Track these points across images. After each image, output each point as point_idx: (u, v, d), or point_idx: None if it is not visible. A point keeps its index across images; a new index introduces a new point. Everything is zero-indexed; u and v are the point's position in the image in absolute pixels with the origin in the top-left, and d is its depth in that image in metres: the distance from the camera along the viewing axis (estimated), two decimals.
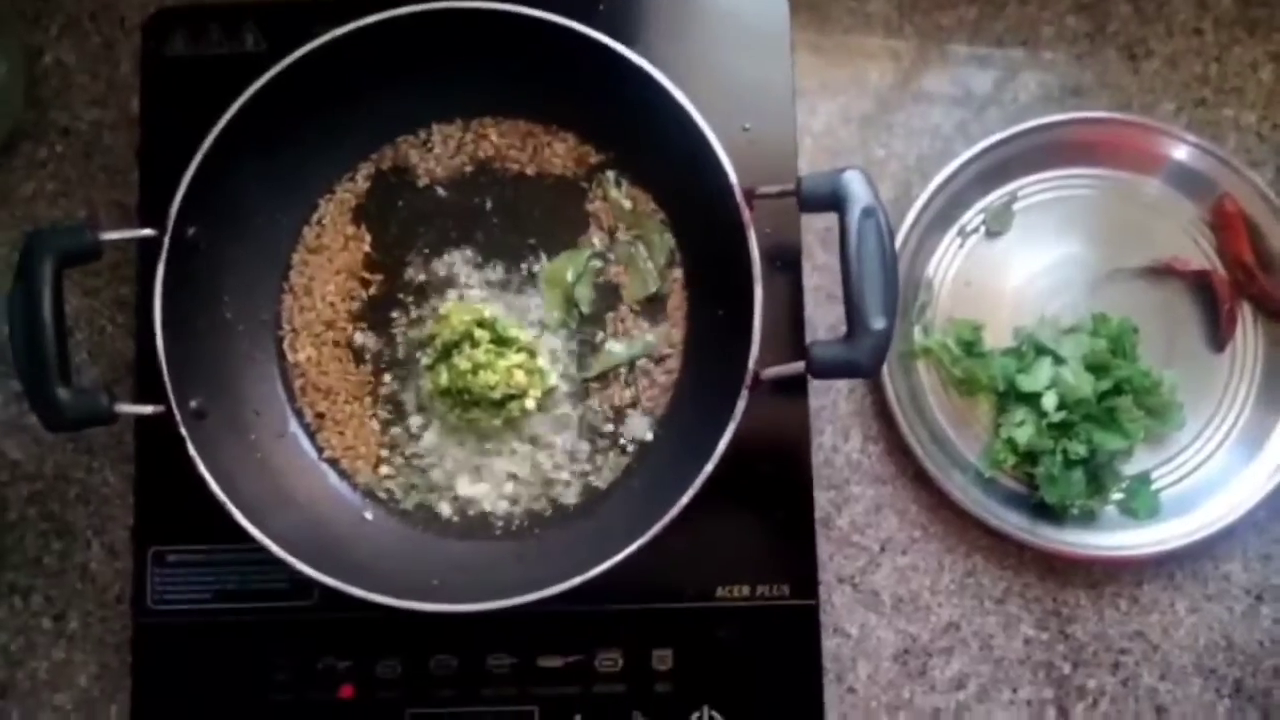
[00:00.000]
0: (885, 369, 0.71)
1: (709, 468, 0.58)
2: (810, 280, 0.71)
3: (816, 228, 0.73)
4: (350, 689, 0.66)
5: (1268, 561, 0.72)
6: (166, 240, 0.61)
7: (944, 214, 0.74)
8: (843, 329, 0.59)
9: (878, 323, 0.55)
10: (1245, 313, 0.73)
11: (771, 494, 0.67)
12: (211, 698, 0.67)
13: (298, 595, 0.67)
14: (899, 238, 0.72)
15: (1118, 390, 0.70)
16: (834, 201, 0.57)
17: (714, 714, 0.66)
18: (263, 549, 0.60)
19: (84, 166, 0.77)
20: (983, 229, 0.75)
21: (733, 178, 0.60)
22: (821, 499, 0.72)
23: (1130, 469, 0.72)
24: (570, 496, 0.68)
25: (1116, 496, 0.71)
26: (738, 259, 0.60)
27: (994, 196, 0.74)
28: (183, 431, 0.60)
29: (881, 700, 0.71)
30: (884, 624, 0.72)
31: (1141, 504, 0.71)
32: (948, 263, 0.74)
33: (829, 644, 0.71)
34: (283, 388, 0.69)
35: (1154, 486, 0.71)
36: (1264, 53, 0.76)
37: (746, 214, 0.59)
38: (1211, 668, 0.71)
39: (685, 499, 0.57)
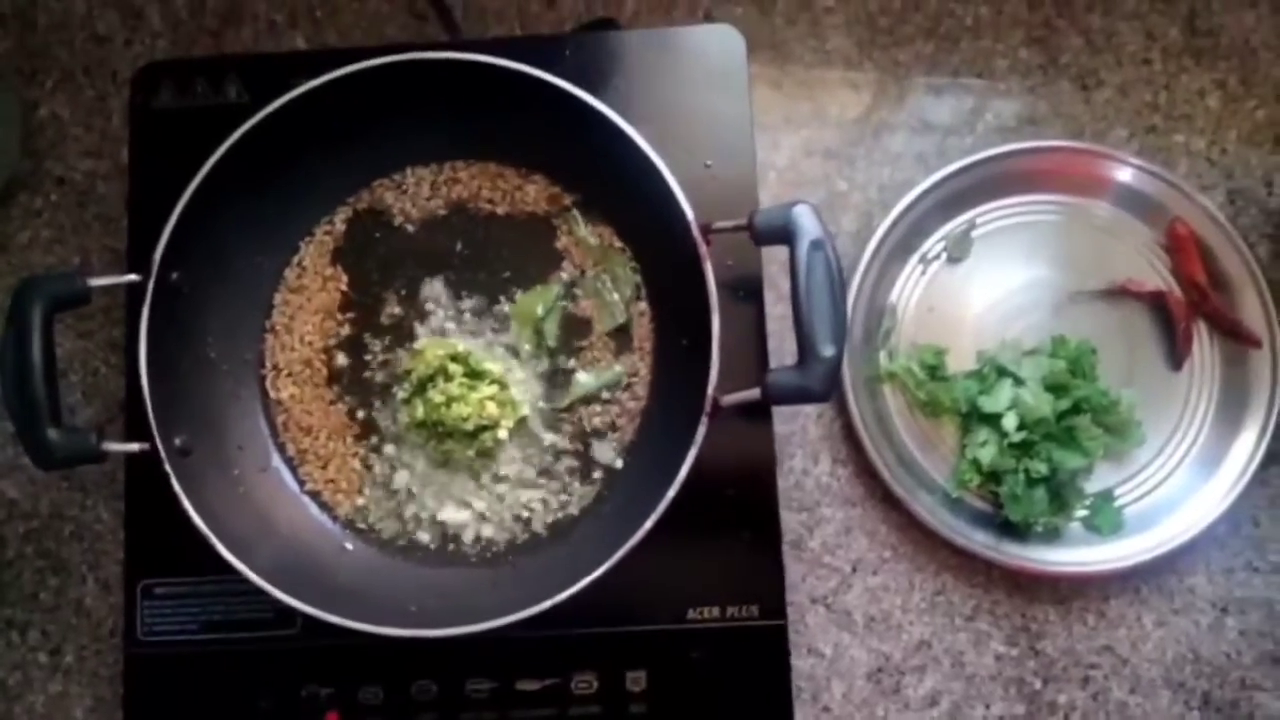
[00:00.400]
0: (851, 393, 0.73)
1: (671, 493, 0.60)
2: (775, 309, 0.74)
3: (781, 259, 0.75)
4: (334, 715, 0.68)
5: (1231, 574, 0.73)
6: (150, 285, 0.64)
7: (906, 242, 0.76)
8: None
9: (827, 350, 0.57)
10: (1201, 331, 0.75)
11: (740, 517, 0.69)
12: None
13: (281, 624, 0.69)
14: (862, 265, 0.75)
15: (1076, 409, 0.72)
16: (785, 235, 0.60)
17: None
18: (247, 580, 0.62)
19: (78, 215, 0.81)
20: (944, 256, 0.77)
21: (689, 214, 0.63)
22: (793, 521, 0.74)
23: (1093, 486, 0.73)
24: (543, 523, 0.70)
25: (1081, 513, 0.73)
26: (697, 291, 0.62)
27: (954, 224, 0.77)
28: (167, 468, 0.62)
29: (856, 719, 0.72)
30: (857, 643, 0.73)
31: (1105, 520, 0.72)
32: (910, 289, 0.77)
33: (803, 664, 0.72)
34: (265, 424, 0.71)
35: (1117, 503, 0.73)
36: (1210, 80, 0.79)
37: (703, 248, 0.62)
38: (1180, 680, 0.72)
39: (649, 524, 0.59)
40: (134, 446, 0.64)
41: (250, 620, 0.69)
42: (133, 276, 0.65)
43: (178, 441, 0.65)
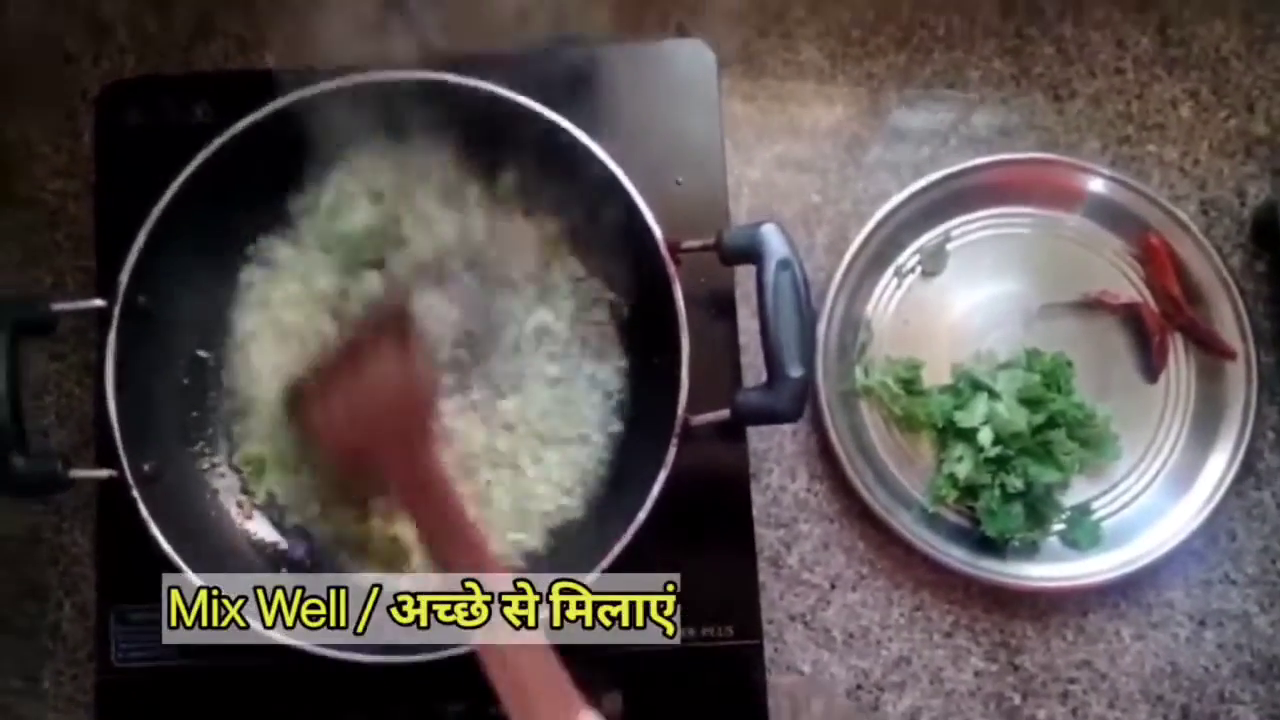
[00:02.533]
0: (827, 408, 0.73)
1: (642, 515, 0.59)
2: (750, 326, 0.73)
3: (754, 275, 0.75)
4: None
5: (1209, 587, 0.73)
6: (117, 310, 0.63)
7: (880, 255, 0.76)
8: None
9: (795, 370, 0.57)
10: (1176, 343, 0.75)
11: (715, 536, 0.69)
12: None
13: (256, 651, 0.68)
14: (836, 279, 0.75)
15: (1052, 424, 0.71)
16: (752, 255, 0.60)
17: None
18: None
19: (49, 236, 0.80)
20: (919, 269, 0.77)
21: (658, 233, 0.62)
22: (771, 538, 0.74)
23: (1070, 500, 0.73)
24: (519, 548, 0.69)
25: (1058, 527, 0.73)
26: (667, 310, 0.62)
27: (928, 237, 0.77)
28: (135, 494, 0.62)
29: None
30: (836, 660, 0.73)
31: (1083, 534, 0.72)
32: (885, 303, 0.76)
33: (783, 681, 0.72)
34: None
35: (1095, 517, 0.73)
36: (1182, 90, 0.79)
37: (672, 267, 0.62)
38: (1159, 694, 0.72)
39: (618, 548, 0.59)
40: (102, 473, 0.63)
41: (223, 646, 0.68)
42: (99, 302, 0.65)
43: (146, 467, 0.64)
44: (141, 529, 0.62)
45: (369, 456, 0.61)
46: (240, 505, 0.70)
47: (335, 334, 0.69)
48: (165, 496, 0.64)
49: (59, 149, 0.81)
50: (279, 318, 0.72)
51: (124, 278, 0.64)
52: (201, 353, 0.71)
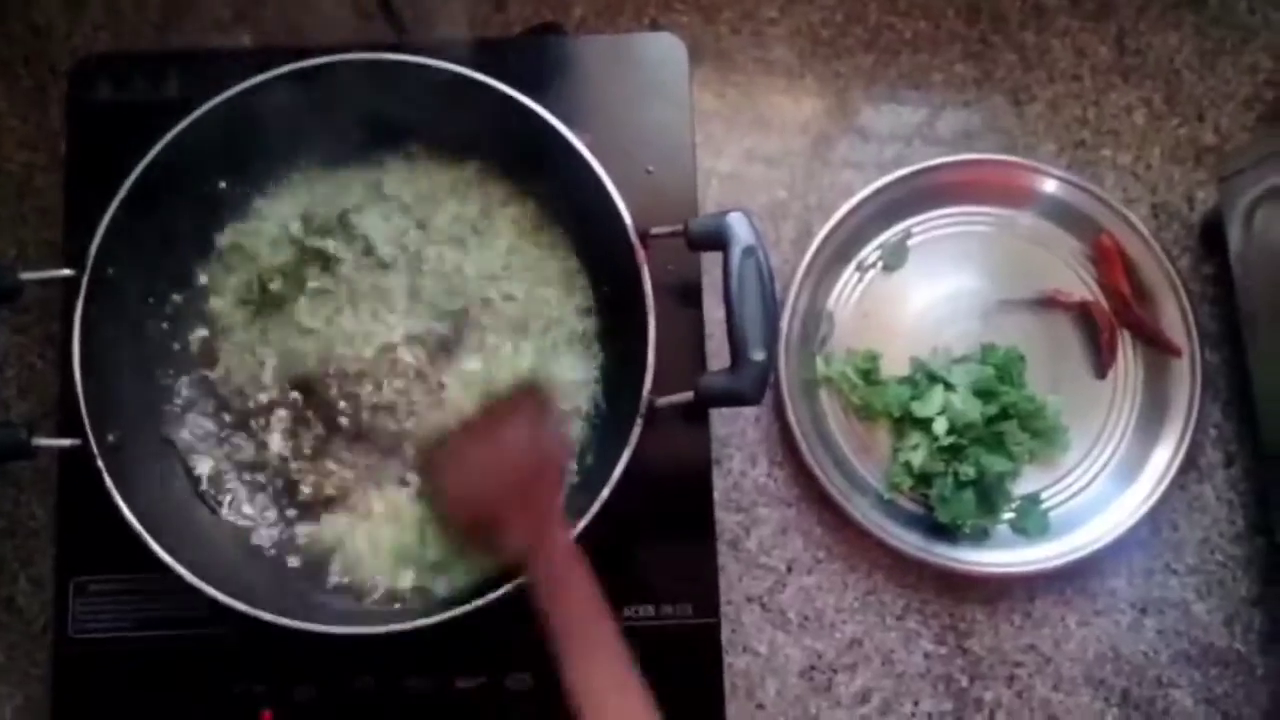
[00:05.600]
0: (788, 397, 0.75)
1: (605, 493, 0.60)
2: (715, 313, 0.75)
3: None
4: (268, 714, 0.68)
5: (1150, 576, 0.75)
6: (85, 280, 0.64)
7: (843, 250, 0.78)
8: None
9: (758, 354, 0.59)
10: (1125, 340, 0.77)
11: (676, 517, 0.70)
12: None
13: (215, 621, 0.68)
14: (800, 271, 0.76)
15: (1004, 415, 0.74)
16: (718, 241, 0.61)
17: None
18: (180, 577, 0.62)
19: (15, 207, 0.80)
20: (880, 264, 0.79)
21: (627, 219, 0.64)
22: (730, 521, 0.75)
23: (1021, 489, 0.75)
24: None
25: (1008, 516, 0.75)
26: (635, 295, 0.63)
27: (890, 233, 0.79)
28: (99, 464, 0.62)
29: (790, 715, 0.73)
30: (791, 642, 0.74)
31: (1032, 523, 0.75)
32: (847, 295, 0.78)
33: (739, 662, 0.74)
34: None
35: (1043, 506, 0.75)
36: (1137, 98, 0.82)
37: (641, 253, 0.63)
38: (1100, 678, 0.74)
39: (582, 524, 0.60)
40: (66, 442, 0.63)
41: (185, 618, 0.68)
42: (67, 271, 0.65)
43: (111, 438, 0.64)
44: (104, 500, 0.62)
45: (496, 523, 0.58)
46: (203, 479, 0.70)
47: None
48: (129, 468, 0.64)
49: (26, 121, 0.81)
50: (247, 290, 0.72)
51: (93, 248, 0.64)
52: (170, 321, 0.71)
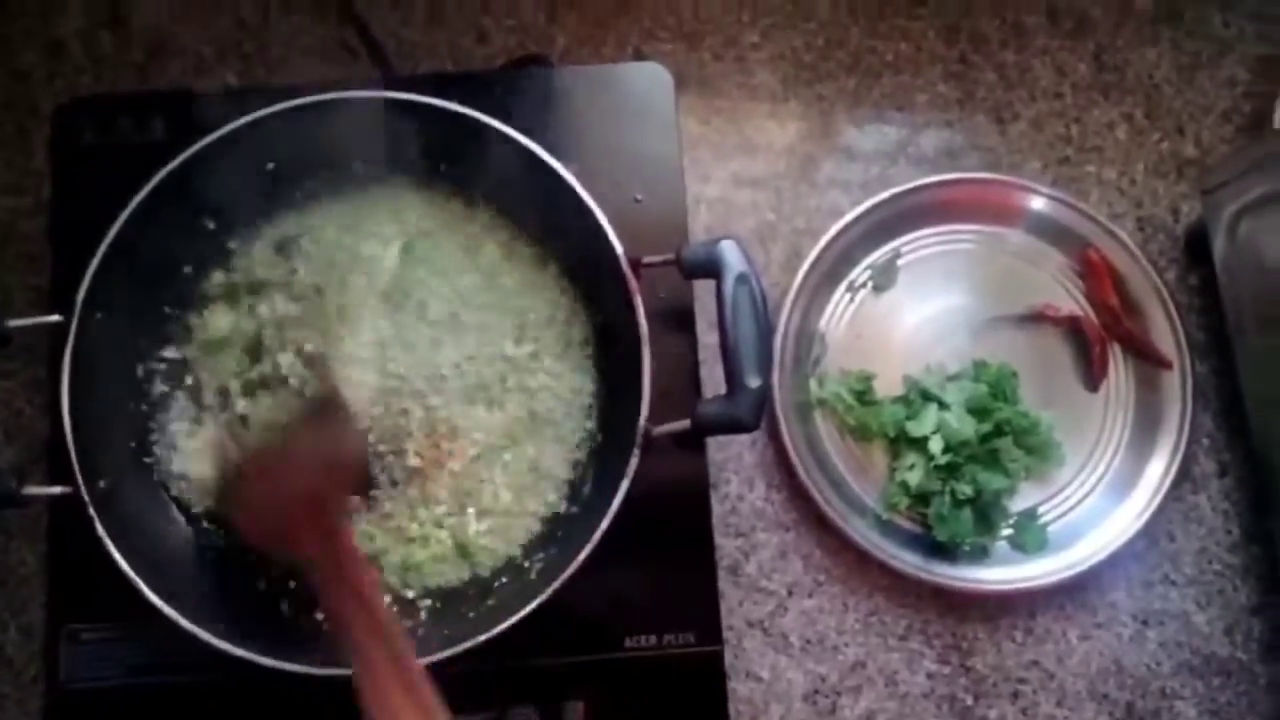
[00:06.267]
0: (783, 419, 0.75)
1: (605, 524, 0.60)
2: (709, 338, 0.75)
3: (712, 288, 0.77)
4: None
5: (1150, 588, 0.76)
6: (73, 326, 0.63)
7: (833, 271, 0.78)
8: None
9: (754, 381, 0.59)
10: (1116, 354, 0.78)
11: (675, 545, 0.70)
12: None
13: (211, 667, 0.67)
14: (791, 294, 0.77)
15: (998, 432, 0.74)
16: (711, 269, 0.61)
17: None
18: (175, 624, 0.61)
19: (0, 253, 0.79)
20: (870, 284, 0.79)
21: (619, 249, 0.64)
22: (729, 546, 0.75)
23: (1017, 506, 0.75)
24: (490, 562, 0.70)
25: (1006, 532, 0.75)
26: (629, 324, 0.63)
27: (879, 253, 0.79)
28: (91, 512, 0.61)
29: None
30: (793, 666, 0.74)
31: (1030, 538, 0.75)
32: (839, 317, 0.79)
33: (742, 688, 0.73)
34: None
35: (1041, 521, 0.75)
36: (1118, 114, 0.83)
37: (633, 282, 0.63)
38: (1104, 692, 0.74)
39: (581, 556, 0.60)
40: (56, 490, 0.62)
41: (179, 663, 0.67)
42: (55, 317, 0.64)
43: (102, 484, 0.63)
44: (94, 547, 0.61)
45: (284, 540, 0.60)
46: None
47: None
48: (121, 513, 0.63)
49: (11, 165, 0.80)
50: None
51: (81, 294, 0.63)
52: (159, 366, 0.70)
